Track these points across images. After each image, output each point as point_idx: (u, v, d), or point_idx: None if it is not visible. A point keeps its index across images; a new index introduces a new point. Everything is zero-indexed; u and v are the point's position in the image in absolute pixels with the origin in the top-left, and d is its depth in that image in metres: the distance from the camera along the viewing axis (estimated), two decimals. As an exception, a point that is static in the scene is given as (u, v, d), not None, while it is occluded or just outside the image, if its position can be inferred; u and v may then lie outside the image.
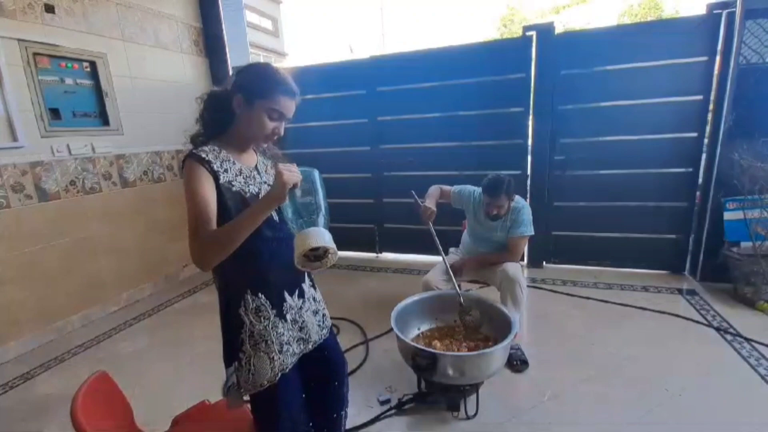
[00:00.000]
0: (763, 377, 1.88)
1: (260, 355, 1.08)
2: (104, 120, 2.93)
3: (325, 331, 1.27)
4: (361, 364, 2.15)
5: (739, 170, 2.53)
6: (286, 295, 1.14)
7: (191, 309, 3.05)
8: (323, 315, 1.30)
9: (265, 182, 1.15)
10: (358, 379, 2.04)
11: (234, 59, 3.84)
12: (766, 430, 1.51)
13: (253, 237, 0.99)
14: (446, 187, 2.35)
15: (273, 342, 1.09)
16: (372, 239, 3.98)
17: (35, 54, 2.50)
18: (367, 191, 3.87)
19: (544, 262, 3.46)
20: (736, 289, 2.66)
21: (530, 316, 2.58)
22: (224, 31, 3.73)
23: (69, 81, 2.73)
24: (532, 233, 2.21)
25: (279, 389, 1.10)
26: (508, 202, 2.13)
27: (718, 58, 2.73)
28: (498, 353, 1.56)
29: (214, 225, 0.99)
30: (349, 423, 1.69)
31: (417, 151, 3.61)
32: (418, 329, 1.95)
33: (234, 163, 1.09)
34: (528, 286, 2.96)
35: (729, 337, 2.23)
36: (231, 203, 1.04)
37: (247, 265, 1.07)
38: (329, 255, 0.95)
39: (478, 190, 2.27)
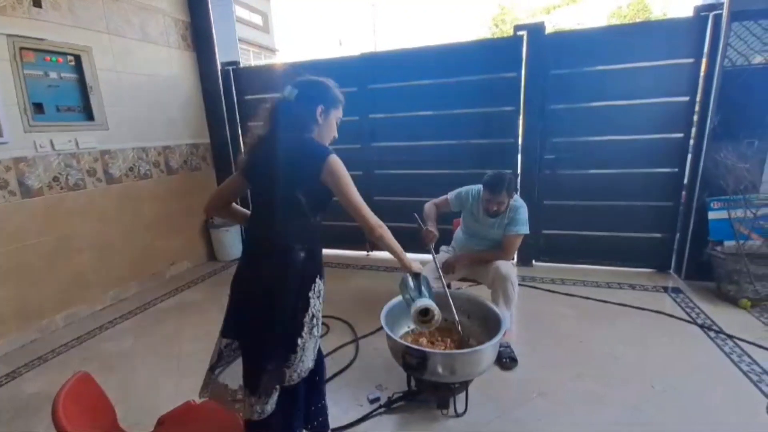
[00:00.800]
0: (745, 373, 1.92)
1: (313, 338, 1.20)
2: (88, 115, 2.87)
3: None
4: (350, 363, 2.15)
5: (724, 170, 2.58)
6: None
7: (178, 308, 3.00)
8: None
9: None
10: (348, 378, 2.03)
11: (222, 54, 3.79)
12: (748, 425, 1.55)
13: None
14: (439, 200, 2.36)
15: (319, 324, 1.23)
16: (362, 237, 3.94)
17: (21, 48, 2.44)
18: (358, 189, 3.84)
19: (534, 261, 3.49)
20: (720, 287, 2.71)
21: (520, 315, 2.60)
22: (213, 26, 3.68)
23: (53, 75, 2.67)
24: (528, 232, 2.22)
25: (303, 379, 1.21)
26: (508, 199, 2.13)
27: (704, 60, 2.77)
28: (487, 351, 1.57)
29: None
30: (338, 421, 1.69)
31: (408, 149, 3.60)
32: (408, 327, 1.95)
33: None
34: (518, 284, 2.97)
35: (712, 334, 2.28)
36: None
37: (321, 251, 1.27)
38: (434, 319, 1.38)
39: (475, 188, 2.29)
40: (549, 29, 3.10)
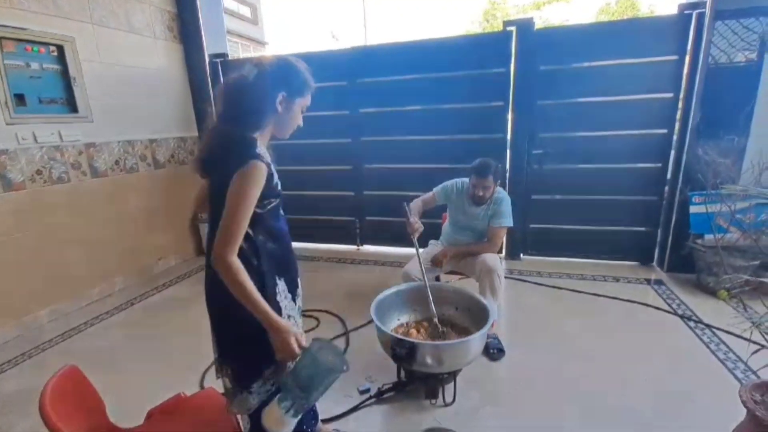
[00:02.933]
0: (722, 361, 1.99)
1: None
2: (72, 107, 2.81)
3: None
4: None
5: (704, 165, 2.65)
6: (299, 280, 1.20)
7: (166, 303, 2.98)
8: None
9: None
10: (338, 370, 2.05)
11: (210, 46, 3.74)
12: (724, 409, 1.60)
13: (280, 218, 1.11)
14: (426, 195, 2.40)
15: (297, 322, 1.16)
16: (353, 232, 3.98)
17: (1, 38, 2.38)
18: (347, 184, 3.86)
19: (522, 254, 3.54)
20: (699, 279, 2.80)
21: (507, 307, 2.64)
22: (200, 17, 3.61)
23: (35, 65, 2.60)
24: (512, 224, 2.27)
25: None
26: (494, 185, 2.19)
27: (687, 58, 2.83)
28: (475, 342, 1.60)
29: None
30: (329, 412, 1.71)
31: (398, 144, 3.61)
32: (398, 320, 1.98)
33: (270, 159, 1.09)
34: (506, 277, 3.02)
35: (692, 324, 2.36)
36: (272, 194, 1.06)
37: (279, 247, 1.11)
38: None
39: (460, 180, 2.35)
40: (538, 25, 3.13)
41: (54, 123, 2.70)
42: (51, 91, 2.71)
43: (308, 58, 3.76)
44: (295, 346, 1.00)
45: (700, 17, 2.72)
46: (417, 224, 2.05)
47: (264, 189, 1.00)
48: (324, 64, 3.63)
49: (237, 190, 0.97)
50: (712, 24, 2.63)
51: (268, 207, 1.06)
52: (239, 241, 0.98)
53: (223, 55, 3.83)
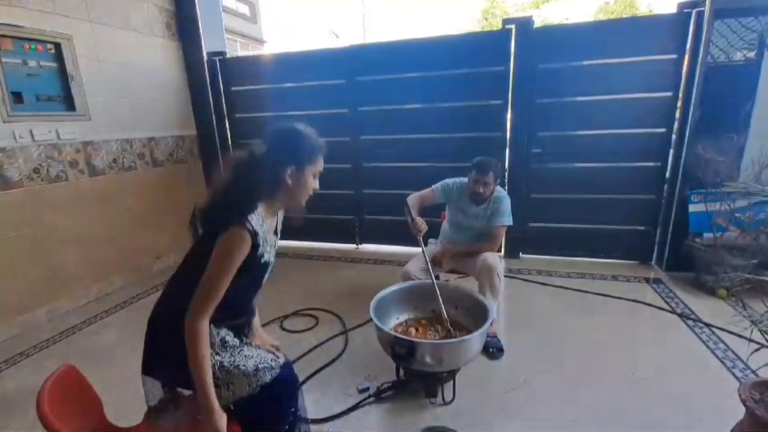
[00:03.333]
0: (721, 360, 2.00)
1: (237, 372, 1.13)
2: (70, 105, 2.79)
3: None
4: (340, 354, 2.16)
5: (704, 164, 2.65)
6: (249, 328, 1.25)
7: (166, 301, 2.97)
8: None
9: (275, 244, 1.20)
10: (338, 369, 2.05)
11: (209, 44, 3.72)
12: (722, 407, 1.60)
13: (247, 293, 1.15)
14: (425, 191, 2.39)
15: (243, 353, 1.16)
16: (352, 230, 3.97)
17: (0, 36, 2.36)
18: (347, 182, 3.85)
19: (521, 253, 3.54)
20: (698, 278, 2.80)
21: (507, 306, 2.64)
22: (198, 15, 3.60)
23: (32, 63, 2.59)
24: (511, 223, 2.27)
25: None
26: (494, 183, 2.18)
27: (686, 56, 2.83)
28: (474, 341, 1.60)
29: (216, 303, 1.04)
30: (328, 411, 1.71)
31: (397, 142, 3.60)
32: (397, 318, 1.97)
33: (268, 231, 1.12)
34: (505, 276, 3.02)
35: (690, 322, 2.36)
36: (253, 269, 1.08)
37: (232, 317, 1.16)
38: None
39: (459, 180, 2.34)
40: (537, 24, 3.12)
41: (51, 121, 2.68)
42: (48, 89, 2.69)
43: (307, 56, 3.79)
44: None
45: (700, 16, 2.72)
46: (422, 224, 2.05)
47: (246, 260, 1.03)
48: (323, 62, 3.62)
49: (216, 257, 1.00)
50: (712, 23, 2.63)
51: (238, 283, 1.05)
52: (213, 306, 1.02)
53: (222, 53, 3.82)
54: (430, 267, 1.93)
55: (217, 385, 1.08)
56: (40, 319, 2.67)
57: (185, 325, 1.01)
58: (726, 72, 2.68)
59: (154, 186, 3.46)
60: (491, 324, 1.69)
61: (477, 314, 1.81)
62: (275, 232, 1.21)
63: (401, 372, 1.83)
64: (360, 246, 4.00)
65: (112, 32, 3.06)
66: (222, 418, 1.03)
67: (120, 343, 2.40)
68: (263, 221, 1.09)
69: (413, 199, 2.33)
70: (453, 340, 1.62)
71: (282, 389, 1.19)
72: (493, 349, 2.08)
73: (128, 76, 3.20)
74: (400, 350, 1.56)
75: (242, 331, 1.22)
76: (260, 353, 1.20)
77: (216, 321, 1.10)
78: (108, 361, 2.20)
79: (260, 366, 1.15)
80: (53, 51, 2.69)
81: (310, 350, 2.20)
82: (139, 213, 3.33)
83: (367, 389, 1.84)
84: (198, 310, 1.00)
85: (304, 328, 2.45)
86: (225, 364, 1.12)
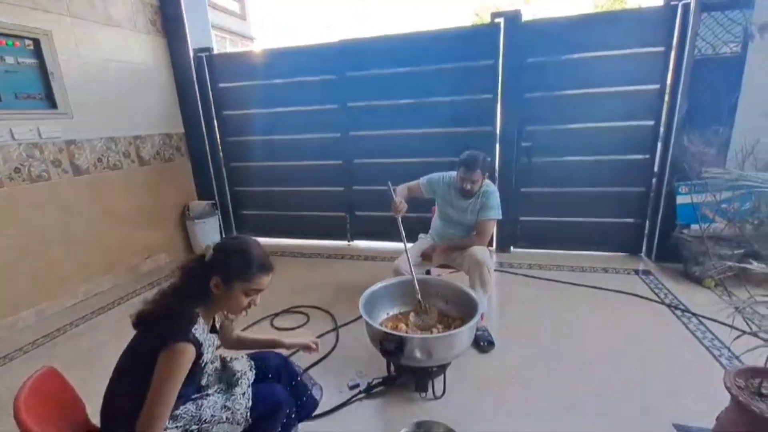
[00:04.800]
0: (707, 348, 2.02)
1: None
2: (51, 102, 2.73)
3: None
4: (330, 351, 2.15)
5: (691, 156, 2.67)
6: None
7: (155, 301, 2.94)
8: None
9: (214, 342, 1.20)
10: (328, 366, 2.04)
11: (195, 40, 3.66)
12: (710, 395, 1.62)
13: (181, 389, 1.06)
14: (412, 183, 2.40)
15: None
16: (343, 227, 3.95)
17: (-27, 31, 2.30)
18: (337, 179, 3.83)
19: (512, 247, 3.55)
20: (686, 269, 2.83)
21: (498, 299, 2.65)
22: (183, 10, 3.54)
23: (10, 60, 2.52)
24: (500, 217, 2.27)
25: None
26: (482, 179, 2.18)
27: (673, 49, 2.84)
28: (463, 334, 1.59)
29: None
30: (319, 408, 1.68)
31: (388, 138, 3.59)
32: (387, 314, 1.97)
33: (208, 336, 1.13)
34: (496, 270, 3.03)
35: (679, 312, 2.39)
36: (192, 372, 1.07)
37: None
38: None
39: (447, 174, 2.34)
40: (526, 17, 3.11)
41: (32, 119, 2.62)
42: (28, 86, 2.63)
43: (296, 51, 3.75)
44: None
45: (686, 9, 2.73)
46: (401, 204, 2.07)
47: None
48: (312, 57, 3.59)
49: (161, 375, 0.99)
50: (698, 15, 2.65)
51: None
52: (163, 424, 1.01)
53: (208, 50, 3.76)
54: (409, 258, 1.96)
55: None
56: (27, 321, 2.63)
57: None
58: (712, 65, 2.70)
59: (141, 185, 3.41)
60: (481, 317, 1.69)
61: (467, 308, 1.81)
62: (213, 329, 1.21)
63: (391, 367, 1.83)
64: (352, 242, 3.98)
65: (93, 28, 2.99)
66: None
67: (109, 343, 2.36)
68: (204, 327, 1.11)
69: (401, 188, 2.35)
70: (442, 333, 1.61)
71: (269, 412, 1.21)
72: (483, 343, 2.08)
73: (112, 73, 3.13)
74: (389, 345, 1.55)
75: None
76: (213, 399, 1.19)
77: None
78: (96, 362, 2.17)
79: (227, 405, 1.17)
80: (32, 47, 2.63)
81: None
82: (126, 212, 3.27)
83: (358, 385, 1.83)
84: (144, 428, 0.98)
85: (295, 326, 2.44)
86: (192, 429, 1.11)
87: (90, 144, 2.99)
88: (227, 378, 1.26)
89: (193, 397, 1.18)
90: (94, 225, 3.04)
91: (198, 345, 1.05)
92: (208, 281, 1.10)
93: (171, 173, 3.70)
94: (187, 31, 3.59)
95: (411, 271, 1.93)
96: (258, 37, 16.28)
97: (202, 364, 1.12)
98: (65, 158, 2.83)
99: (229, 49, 13.82)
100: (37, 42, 2.62)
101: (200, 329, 1.09)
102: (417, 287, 1.90)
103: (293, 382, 1.39)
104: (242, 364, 1.30)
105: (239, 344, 1.44)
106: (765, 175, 0.93)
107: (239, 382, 1.23)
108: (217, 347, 1.25)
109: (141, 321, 1.12)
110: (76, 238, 2.91)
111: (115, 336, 2.44)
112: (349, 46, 3.50)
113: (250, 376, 1.28)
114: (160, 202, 3.58)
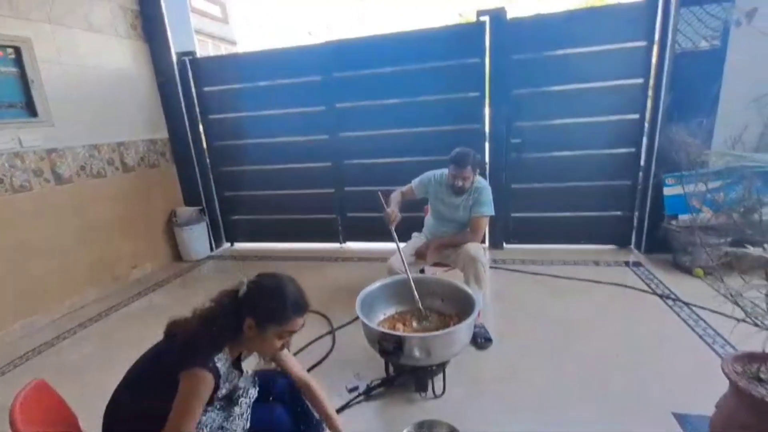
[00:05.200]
0: (700, 336, 2.05)
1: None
2: (32, 111, 2.66)
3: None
4: (327, 354, 2.13)
5: (676, 148, 2.71)
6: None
7: (144, 311, 2.87)
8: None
9: (237, 378, 1.17)
10: (326, 369, 2.01)
11: (178, 44, 3.61)
12: (707, 382, 1.64)
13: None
14: (405, 188, 2.42)
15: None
16: (335, 229, 3.93)
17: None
18: (327, 181, 3.80)
19: (504, 243, 3.57)
20: (676, 259, 2.88)
21: (493, 296, 2.65)
22: (165, 14, 3.48)
23: (-10, 69, 2.45)
24: (493, 213, 2.28)
25: None
26: (473, 175, 2.18)
27: (656, 43, 2.89)
28: (462, 331, 1.59)
29: None
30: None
31: (377, 138, 3.57)
32: (384, 314, 1.95)
33: (230, 369, 1.11)
34: (490, 267, 3.04)
35: (670, 302, 2.42)
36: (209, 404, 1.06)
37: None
38: None
39: (438, 172, 2.34)
40: (512, 15, 3.14)
41: (12, 128, 2.55)
42: (8, 95, 2.56)
43: (282, 53, 3.72)
44: None
45: (667, 3, 2.78)
46: (394, 213, 2.05)
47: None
48: (298, 59, 3.56)
49: (181, 400, 0.98)
50: (678, 10, 2.69)
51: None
52: None
53: (192, 53, 3.71)
54: (404, 259, 1.95)
55: None
56: (14, 336, 2.54)
57: None
58: (693, 58, 2.75)
59: (126, 192, 3.34)
60: (478, 314, 1.69)
61: (463, 305, 1.80)
62: (238, 364, 1.18)
63: (390, 368, 1.81)
64: (344, 244, 3.95)
65: (74, 34, 2.92)
66: None
67: (97, 355, 2.30)
68: (227, 360, 1.08)
69: (394, 194, 2.35)
70: (440, 332, 1.60)
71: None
72: (481, 340, 2.08)
73: (93, 79, 3.07)
74: (388, 346, 1.54)
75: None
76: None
77: None
78: (84, 374, 2.10)
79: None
80: (13, 56, 2.56)
81: (297, 352, 2.15)
82: (111, 221, 3.20)
83: (357, 388, 1.81)
84: None
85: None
86: None
87: (72, 152, 2.91)
88: (228, 393, 1.21)
89: None
90: (79, 235, 2.96)
91: (217, 376, 1.03)
92: (241, 319, 1.06)
93: (156, 179, 3.63)
94: (169, 35, 3.54)
95: (408, 277, 1.90)
96: (241, 41, 16.13)
97: (219, 396, 1.09)
98: (47, 167, 2.75)
99: (212, 53, 13.67)
100: (18, 50, 2.56)
101: (222, 360, 1.06)
102: (417, 296, 1.88)
103: (299, 408, 1.33)
104: (245, 381, 1.24)
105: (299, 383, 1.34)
106: (764, 156, 0.95)
107: (239, 401, 1.18)
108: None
109: (171, 332, 1.09)
110: (60, 248, 2.83)
111: (102, 349, 2.37)
112: (335, 47, 3.48)
113: (253, 393, 1.22)
114: (145, 210, 3.51)
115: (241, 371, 1.20)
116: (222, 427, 1.12)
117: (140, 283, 3.35)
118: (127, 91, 3.37)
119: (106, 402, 1.12)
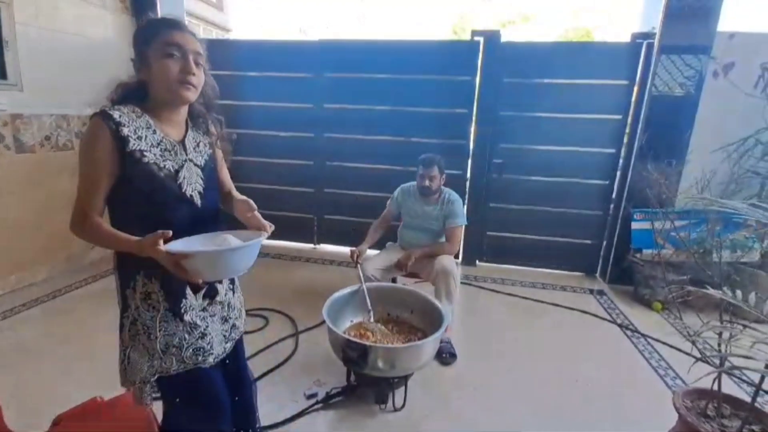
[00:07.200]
0: (654, 368, 2.12)
1: (138, 348, 0.95)
2: (1, 72, 2.49)
3: (229, 345, 1.12)
4: (288, 357, 2.06)
5: (646, 185, 2.82)
6: (188, 290, 0.99)
7: (96, 295, 2.71)
8: (233, 326, 1.14)
9: (191, 160, 1.02)
10: (285, 373, 1.95)
11: (167, 23, 3.48)
12: (655, 413, 1.69)
13: (166, 211, 0.93)
14: (384, 212, 2.54)
15: (157, 338, 0.95)
16: (310, 229, 3.86)
17: None
18: (308, 180, 3.74)
19: (478, 261, 3.61)
20: (637, 291, 2.98)
21: (461, 311, 2.66)
22: (156, -11, 3.36)
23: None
24: (466, 223, 2.40)
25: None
26: (440, 177, 2.30)
27: (636, 83, 3.03)
28: (428, 346, 1.58)
29: (100, 205, 0.92)
30: (271, 419, 1.61)
31: (362, 142, 3.55)
32: (351, 321, 1.92)
33: (155, 132, 0.96)
34: (462, 282, 3.05)
35: (629, 332, 2.50)
36: (140, 176, 0.91)
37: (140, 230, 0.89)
38: None
39: (406, 185, 2.48)
40: (506, 39, 3.21)
41: (-26, 87, 2.38)
42: (-24, 52, 2.39)
43: (274, 45, 3.64)
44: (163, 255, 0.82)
45: (650, 48, 2.92)
46: (356, 252, 2.21)
47: (117, 161, 0.89)
48: (291, 53, 3.52)
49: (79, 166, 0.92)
50: (659, 56, 2.83)
51: (129, 195, 0.92)
52: (83, 213, 0.91)
53: (181, 34, 3.58)
54: (363, 280, 2.02)
55: (120, 352, 0.98)
56: (-57, 311, 2.34)
57: (72, 230, 0.94)
58: (669, 102, 2.89)
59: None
60: (446, 329, 1.68)
61: (432, 318, 1.79)
62: (182, 145, 1.02)
63: (352, 377, 1.77)
64: (318, 246, 3.89)
65: (57, 0, 2.77)
66: (150, 248, 0.82)
67: (37, 340, 2.13)
68: (149, 121, 0.96)
69: (377, 222, 2.49)
70: (406, 344, 1.59)
71: (196, 396, 1.01)
72: (445, 355, 2.07)
73: (71, 48, 2.91)
74: (352, 354, 1.50)
75: (178, 296, 0.97)
76: (187, 337, 0.97)
77: (147, 266, 0.91)
78: (20, 360, 1.94)
79: (174, 346, 0.96)
80: (-11, 13, 2.40)
81: (257, 353, 2.08)
82: (73, 197, 3.00)
83: (315, 395, 1.76)
84: (75, 219, 0.93)
85: (252, 329, 2.32)
86: (138, 321, 0.95)
87: (39, 120, 2.75)
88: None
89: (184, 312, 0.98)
90: (37, 209, 2.77)
91: (112, 121, 0.89)
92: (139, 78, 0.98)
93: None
94: (159, 11, 3.40)
95: (362, 284, 1.98)
96: (235, 29, 15.86)
97: (143, 158, 0.91)
98: (9, 133, 2.58)
99: (202, 36, 13.36)
100: (-7, 7, 2.40)
101: (130, 113, 0.94)
102: (369, 303, 1.92)
103: (236, 397, 1.17)
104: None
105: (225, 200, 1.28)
106: (738, 203, 0.99)
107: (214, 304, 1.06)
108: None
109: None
110: (12, 221, 2.64)
111: (45, 332, 2.21)
112: (329, 47, 3.45)
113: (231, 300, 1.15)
114: (113, 190, 3.34)
115: (182, 144, 1.02)
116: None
117: (98, 264, 3.16)
118: (106, 65, 3.20)
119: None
